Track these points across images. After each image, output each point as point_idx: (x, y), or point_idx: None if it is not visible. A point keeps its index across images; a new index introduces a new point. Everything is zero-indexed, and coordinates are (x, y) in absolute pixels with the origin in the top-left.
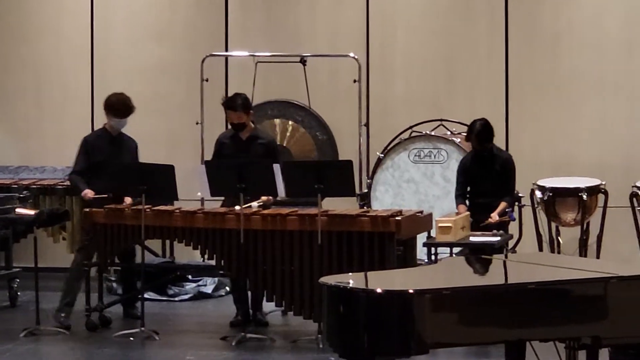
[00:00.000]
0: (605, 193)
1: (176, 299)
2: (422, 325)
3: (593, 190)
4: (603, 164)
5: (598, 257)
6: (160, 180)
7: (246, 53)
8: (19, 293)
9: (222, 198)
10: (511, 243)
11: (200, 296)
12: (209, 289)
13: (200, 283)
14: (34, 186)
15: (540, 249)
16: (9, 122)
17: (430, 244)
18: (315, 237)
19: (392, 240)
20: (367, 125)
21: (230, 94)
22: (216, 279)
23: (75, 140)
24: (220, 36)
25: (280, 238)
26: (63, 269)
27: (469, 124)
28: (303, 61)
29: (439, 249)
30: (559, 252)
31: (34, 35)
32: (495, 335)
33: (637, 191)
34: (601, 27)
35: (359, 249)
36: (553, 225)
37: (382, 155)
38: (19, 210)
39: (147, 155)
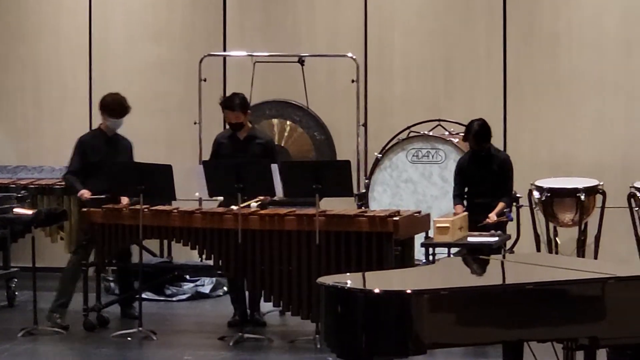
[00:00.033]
0: (603, 193)
1: (174, 299)
2: (420, 325)
3: (591, 191)
4: (601, 164)
5: (596, 257)
6: (158, 180)
7: (244, 53)
8: (16, 293)
9: (220, 198)
10: (509, 243)
11: (198, 296)
12: (206, 289)
13: (198, 283)
14: (32, 186)
15: (538, 250)
16: (7, 121)
17: (428, 244)
18: (313, 237)
19: (389, 240)
20: (365, 125)
21: (228, 93)
22: (214, 279)
23: (73, 140)
24: (218, 36)
25: (278, 238)
26: (61, 268)
27: (467, 124)
28: (301, 61)
29: (437, 249)
30: (556, 253)
31: (33, 34)
32: (493, 336)
33: (635, 192)
34: (600, 27)
35: (357, 249)
36: (551, 225)
37: (380, 155)
38: (16, 210)
39: (145, 155)
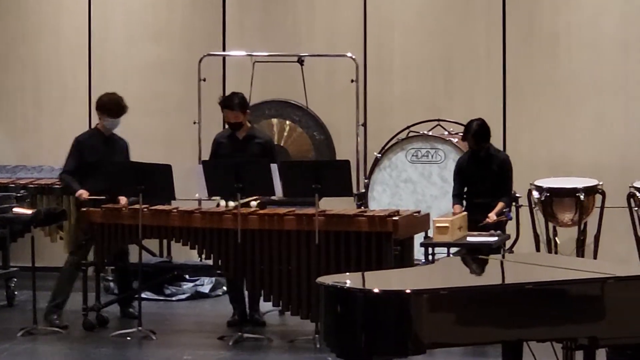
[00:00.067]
0: (603, 193)
1: (173, 298)
2: (419, 325)
3: (590, 191)
4: (600, 164)
5: (595, 257)
6: (157, 180)
7: (244, 53)
8: (16, 292)
9: (218, 198)
10: (508, 243)
11: (197, 296)
12: (206, 289)
13: (197, 283)
14: (32, 185)
15: (538, 249)
16: (7, 121)
17: (427, 244)
18: (312, 237)
19: (389, 240)
20: (364, 125)
21: (227, 93)
22: (213, 278)
23: (73, 140)
24: (218, 36)
25: (277, 238)
26: (60, 268)
27: (466, 124)
28: (300, 61)
29: (436, 249)
30: (556, 253)
31: (33, 34)
32: (493, 336)
33: (635, 191)
34: (599, 27)
35: (357, 248)
36: (550, 225)
37: (380, 155)
38: (16, 209)
39: (144, 154)
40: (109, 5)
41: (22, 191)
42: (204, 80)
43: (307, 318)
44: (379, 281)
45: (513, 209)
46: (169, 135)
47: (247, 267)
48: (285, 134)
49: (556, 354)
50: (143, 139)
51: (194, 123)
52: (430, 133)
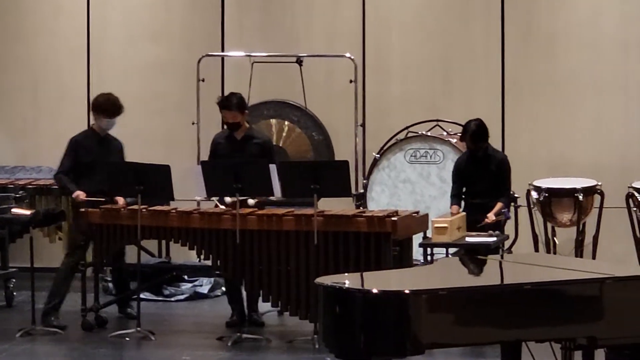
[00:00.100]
0: (601, 194)
1: (172, 299)
2: (418, 325)
3: (589, 191)
4: (599, 164)
5: (594, 257)
6: (156, 181)
7: (242, 53)
8: (15, 293)
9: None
10: (507, 243)
11: (196, 296)
12: (205, 289)
13: (196, 283)
14: (30, 186)
15: (536, 250)
16: (6, 121)
17: (426, 244)
18: (311, 238)
19: (388, 240)
20: (363, 125)
21: (226, 94)
22: (212, 279)
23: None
24: (217, 36)
25: (276, 238)
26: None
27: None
28: (299, 61)
29: (435, 250)
30: (554, 253)
31: (31, 34)
32: (491, 336)
33: (633, 192)
34: (597, 27)
35: (355, 249)
36: (549, 225)
37: (378, 155)
38: (15, 210)
39: (143, 155)
40: (108, 6)
41: (20, 192)
42: (203, 80)
43: (306, 318)
44: (377, 281)
45: (512, 209)
46: (168, 136)
47: (246, 267)
48: (284, 134)
49: (555, 354)
50: (142, 140)
51: (193, 123)
52: (429, 133)
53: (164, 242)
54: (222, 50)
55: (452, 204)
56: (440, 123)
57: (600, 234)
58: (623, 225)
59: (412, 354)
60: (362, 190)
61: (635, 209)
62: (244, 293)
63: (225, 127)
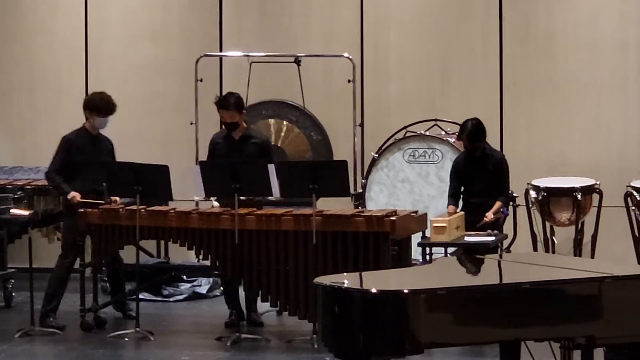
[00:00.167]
0: (600, 193)
1: (171, 299)
2: (417, 325)
3: (587, 190)
4: (597, 163)
5: (592, 256)
6: (155, 181)
7: (240, 53)
8: (13, 294)
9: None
10: (506, 243)
11: (195, 296)
12: (203, 290)
13: (195, 283)
14: (29, 187)
15: (535, 249)
16: (4, 122)
17: (425, 244)
18: (310, 237)
19: (386, 240)
20: (361, 125)
21: (224, 94)
22: (211, 279)
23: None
24: (215, 36)
25: (275, 238)
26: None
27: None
28: (297, 61)
29: (434, 249)
30: (553, 252)
31: (28, 34)
32: (490, 335)
33: (632, 191)
34: (596, 27)
35: (354, 249)
36: (547, 225)
37: (377, 155)
38: (13, 210)
39: (141, 155)
40: (105, 6)
41: (19, 192)
42: (201, 80)
43: (305, 318)
44: (376, 281)
45: (510, 208)
46: (166, 136)
47: (245, 267)
48: (283, 134)
49: (554, 354)
50: (140, 140)
51: (191, 123)
52: (427, 133)
53: (162, 242)
54: (220, 50)
55: (449, 204)
56: (438, 123)
57: (599, 233)
58: (622, 224)
59: (411, 353)
60: (360, 190)
61: (633, 208)
62: (242, 292)
63: (223, 127)
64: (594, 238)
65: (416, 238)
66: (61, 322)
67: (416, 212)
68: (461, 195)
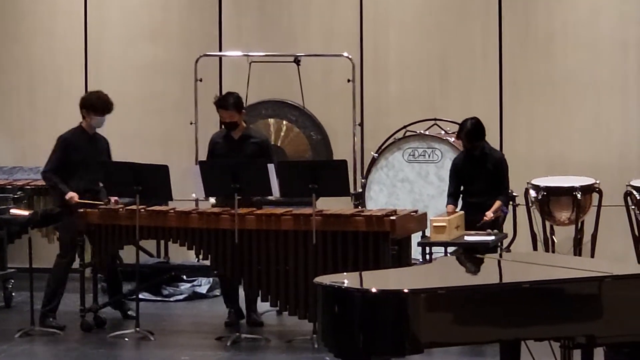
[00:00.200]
0: (600, 192)
1: (171, 299)
2: (417, 324)
3: (587, 189)
4: (597, 163)
5: (592, 256)
6: (154, 181)
7: (240, 53)
8: (13, 294)
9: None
10: (505, 242)
11: (195, 296)
12: (203, 289)
13: (195, 283)
14: (29, 187)
15: (535, 248)
16: (4, 122)
17: (424, 243)
18: (310, 237)
19: (386, 239)
20: (361, 124)
21: (223, 93)
22: (211, 279)
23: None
24: (214, 36)
25: (274, 238)
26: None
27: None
28: (297, 61)
29: (434, 249)
30: (553, 251)
31: (28, 35)
32: (490, 335)
33: (631, 190)
34: (595, 27)
35: (354, 248)
36: (547, 224)
37: (377, 154)
38: (13, 210)
39: (141, 155)
40: (105, 6)
41: (19, 192)
42: (201, 80)
43: (305, 318)
44: (376, 281)
45: (510, 207)
46: (166, 136)
47: (245, 267)
48: (282, 134)
49: (554, 353)
50: (140, 140)
51: (191, 123)
52: (427, 132)
53: (162, 242)
54: (220, 50)
55: (447, 203)
56: (438, 122)
57: (599, 232)
58: (621, 224)
59: (411, 353)
60: (360, 190)
61: (633, 207)
62: (242, 292)
63: (223, 126)
64: (594, 237)
65: (416, 237)
66: (61, 322)
67: (416, 211)
68: (461, 195)
